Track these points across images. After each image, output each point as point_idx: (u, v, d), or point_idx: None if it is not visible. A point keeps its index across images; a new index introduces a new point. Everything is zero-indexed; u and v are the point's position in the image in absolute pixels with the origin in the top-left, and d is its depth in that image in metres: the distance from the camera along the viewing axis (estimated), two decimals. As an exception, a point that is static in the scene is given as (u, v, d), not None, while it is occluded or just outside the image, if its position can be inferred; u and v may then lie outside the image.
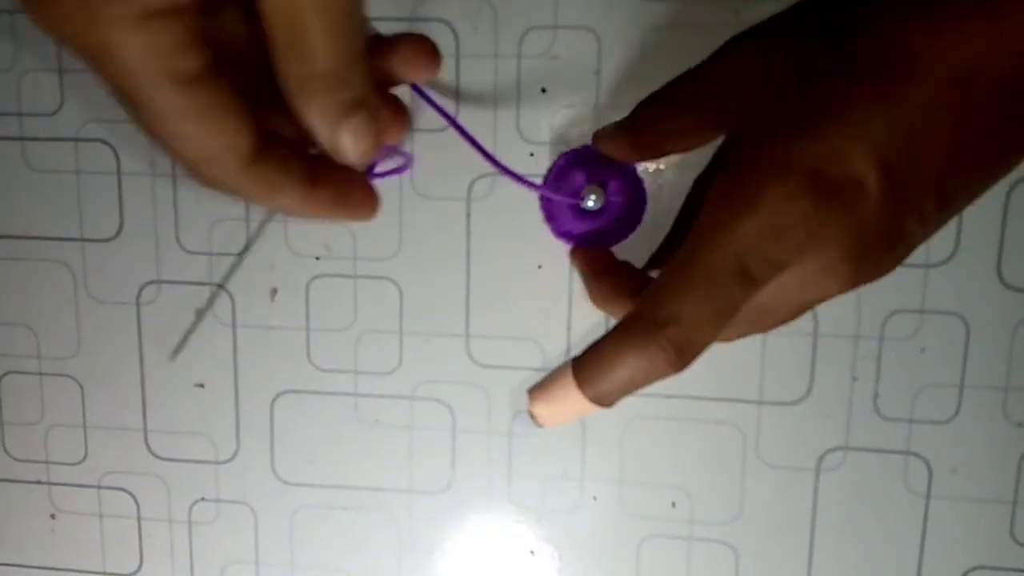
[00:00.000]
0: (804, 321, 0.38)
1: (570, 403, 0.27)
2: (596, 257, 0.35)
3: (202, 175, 0.24)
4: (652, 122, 0.31)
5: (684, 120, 0.30)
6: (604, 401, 0.27)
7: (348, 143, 0.24)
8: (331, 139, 0.24)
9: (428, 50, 0.28)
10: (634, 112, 0.31)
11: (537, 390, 0.28)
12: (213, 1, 0.23)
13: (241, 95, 0.24)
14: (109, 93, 0.23)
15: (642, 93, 0.30)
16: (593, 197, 0.35)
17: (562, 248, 0.40)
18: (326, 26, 0.22)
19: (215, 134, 0.23)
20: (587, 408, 0.27)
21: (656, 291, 0.26)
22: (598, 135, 0.33)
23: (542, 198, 0.38)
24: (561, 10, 0.37)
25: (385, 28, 0.39)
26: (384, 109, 0.28)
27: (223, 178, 0.24)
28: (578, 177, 0.36)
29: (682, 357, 0.25)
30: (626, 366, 0.26)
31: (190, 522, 0.45)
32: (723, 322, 0.25)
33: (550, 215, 0.37)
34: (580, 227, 0.36)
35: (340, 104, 0.24)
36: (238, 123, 0.23)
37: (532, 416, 0.28)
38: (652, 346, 0.25)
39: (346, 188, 0.28)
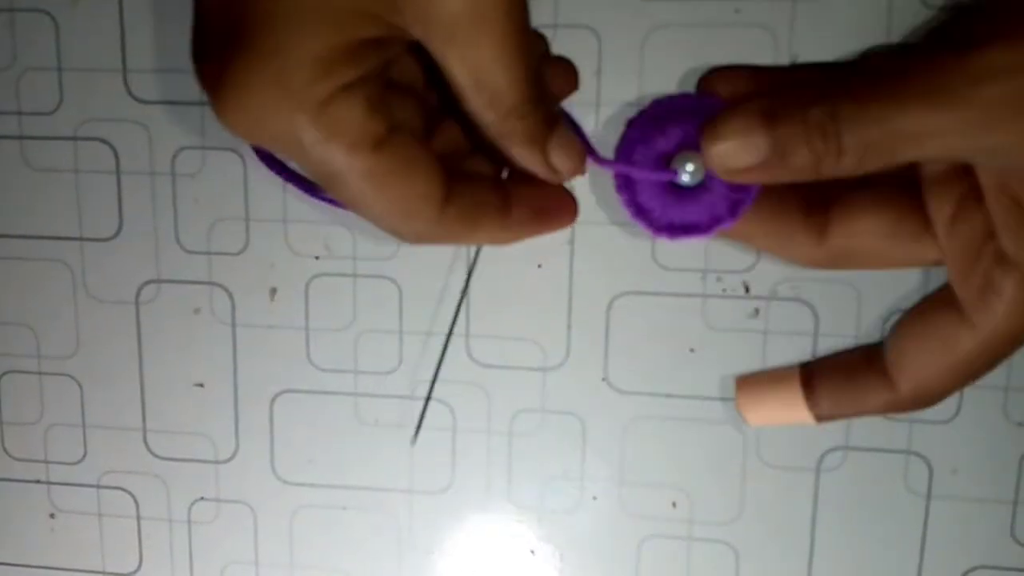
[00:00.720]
0: (805, 321, 0.38)
1: (789, 414, 0.28)
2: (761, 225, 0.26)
3: (403, 231, 0.25)
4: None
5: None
6: (826, 421, 0.28)
7: (560, 160, 0.25)
8: (544, 163, 0.25)
9: (569, 67, 0.30)
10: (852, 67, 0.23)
11: (751, 391, 0.29)
12: (387, 58, 0.23)
13: (424, 142, 0.24)
14: (306, 171, 0.23)
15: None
16: (690, 167, 0.24)
17: (563, 247, 0.40)
18: (506, 65, 0.22)
19: (410, 187, 0.23)
20: (806, 422, 0.28)
21: (914, 371, 0.26)
22: (721, 80, 0.25)
23: (616, 178, 0.27)
24: (561, 9, 0.37)
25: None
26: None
27: (423, 228, 0.25)
28: (665, 138, 0.25)
29: (928, 407, 0.27)
30: (866, 406, 0.27)
31: (190, 522, 0.45)
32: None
33: (625, 183, 0.27)
34: (672, 211, 0.25)
35: (537, 126, 0.24)
36: (429, 171, 0.24)
37: (739, 409, 0.29)
38: (901, 406, 0.27)
39: (541, 202, 0.28)
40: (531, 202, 0.28)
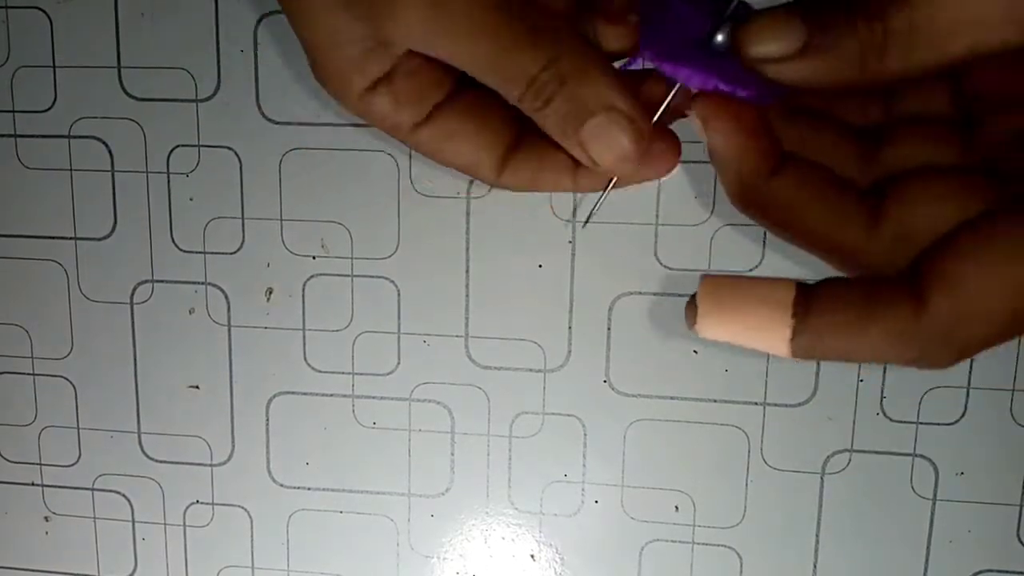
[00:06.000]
0: (809, 321, 0.38)
1: (761, 329, 0.21)
2: (742, 115, 0.22)
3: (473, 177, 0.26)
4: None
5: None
6: (805, 356, 0.21)
7: (598, 151, 0.23)
8: (582, 153, 0.23)
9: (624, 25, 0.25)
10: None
11: (720, 288, 0.21)
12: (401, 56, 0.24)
13: (486, 107, 0.25)
14: None
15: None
16: (723, 33, 0.22)
17: (564, 247, 0.40)
18: (491, 57, 0.22)
19: (462, 154, 0.25)
20: (776, 346, 0.21)
21: (960, 283, 0.19)
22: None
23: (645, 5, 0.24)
24: None
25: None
26: (634, 107, 0.23)
27: (487, 183, 0.26)
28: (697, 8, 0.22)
29: (961, 354, 0.20)
30: (871, 335, 0.20)
31: (185, 525, 0.44)
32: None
33: (654, 36, 0.23)
34: (706, 67, 0.22)
35: (566, 110, 0.22)
36: (478, 142, 0.25)
37: (691, 313, 0.21)
38: (924, 341, 0.19)
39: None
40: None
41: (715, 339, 0.22)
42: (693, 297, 0.22)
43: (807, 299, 0.21)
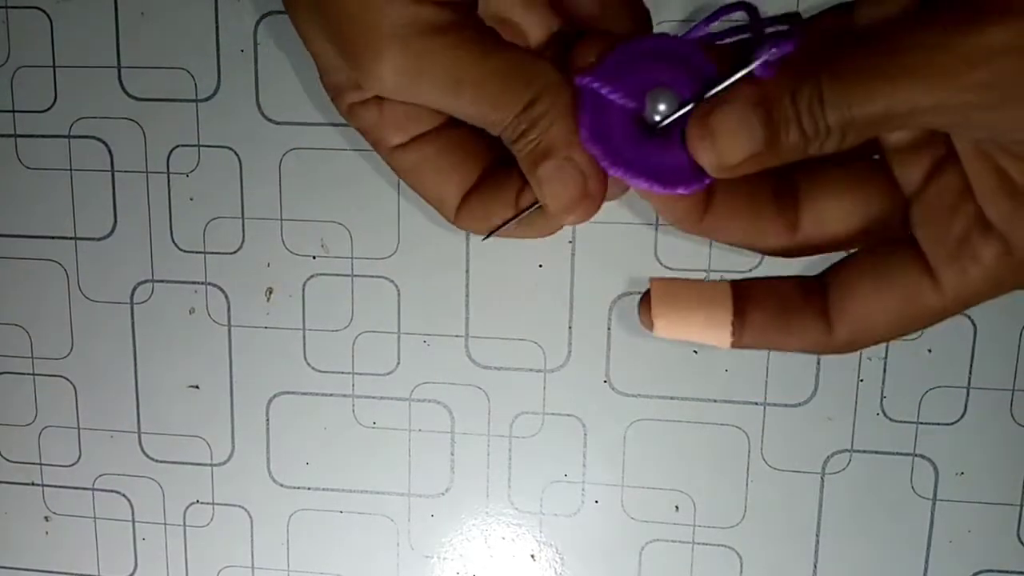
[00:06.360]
0: (809, 321, 0.38)
1: (706, 332, 0.25)
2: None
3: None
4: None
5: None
6: (740, 348, 0.25)
7: (548, 194, 0.24)
8: (536, 190, 0.24)
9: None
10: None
11: (671, 296, 0.25)
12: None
13: (466, 146, 0.26)
14: None
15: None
16: (663, 105, 0.22)
17: (564, 247, 0.39)
18: (468, 102, 0.23)
19: (430, 187, 0.26)
20: (718, 344, 0.25)
21: (859, 317, 0.24)
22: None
23: (583, 92, 0.23)
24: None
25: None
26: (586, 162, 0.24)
27: (449, 220, 0.27)
28: (647, 74, 0.22)
29: (851, 352, 0.24)
30: (790, 343, 0.24)
31: (185, 525, 0.44)
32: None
33: (595, 128, 0.23)
34: (641, 154, 0.23)
35: (529, 151, 0.24)
36: (449, 178, 0.26)
37: (651, 312, 0.25)
38: (827, 350, 0.24)
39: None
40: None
41: (668, 337, 0.25)
42: (645, 297, 0.25)
43: (742, 301, 0.25)
